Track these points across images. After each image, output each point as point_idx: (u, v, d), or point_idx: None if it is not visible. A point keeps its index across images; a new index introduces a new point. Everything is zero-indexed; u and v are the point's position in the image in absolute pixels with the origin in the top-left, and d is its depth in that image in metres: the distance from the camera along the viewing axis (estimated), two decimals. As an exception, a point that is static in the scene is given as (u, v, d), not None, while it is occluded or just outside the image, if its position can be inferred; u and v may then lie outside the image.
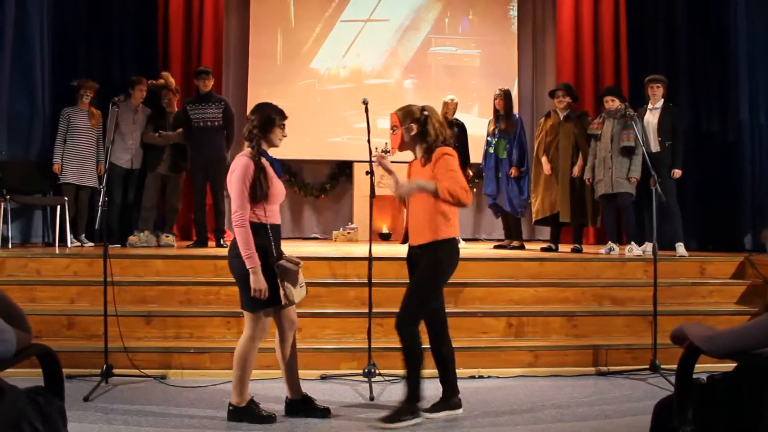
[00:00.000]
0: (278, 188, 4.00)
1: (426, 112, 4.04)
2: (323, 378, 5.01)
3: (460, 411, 4.20)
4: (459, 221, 4.21)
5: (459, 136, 7.59)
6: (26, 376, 3.37)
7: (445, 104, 7.84)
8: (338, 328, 5.41)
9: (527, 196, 7.77)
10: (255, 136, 3.96)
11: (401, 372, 4.90)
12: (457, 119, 7.94)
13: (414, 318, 4.01)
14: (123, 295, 5.29)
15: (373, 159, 4.31)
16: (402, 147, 4.13)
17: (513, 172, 7.69)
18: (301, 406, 4.15)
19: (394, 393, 4.63)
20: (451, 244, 4.02)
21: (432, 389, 4.22)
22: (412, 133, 4.03)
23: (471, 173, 7.88)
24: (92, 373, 4.81)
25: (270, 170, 3.97)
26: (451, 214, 3.99)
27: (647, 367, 5.17)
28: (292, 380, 4.16)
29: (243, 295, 3.91)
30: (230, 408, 3.99)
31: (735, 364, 2.60)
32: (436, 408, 4.17)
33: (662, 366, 5.08)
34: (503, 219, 8.11)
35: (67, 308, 5.51)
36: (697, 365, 2.67)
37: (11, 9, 7.14)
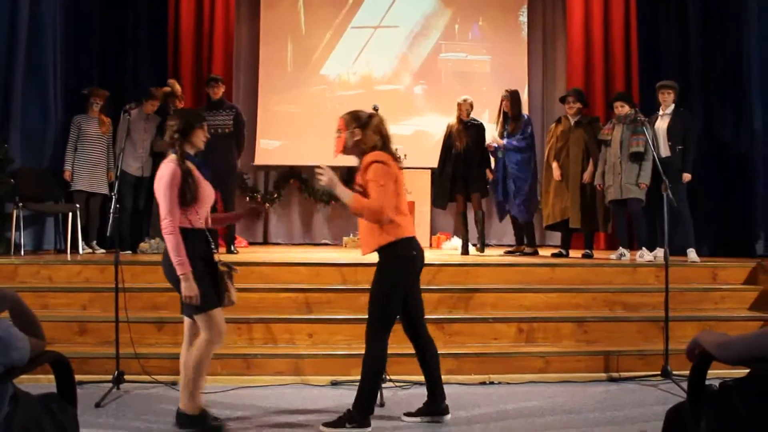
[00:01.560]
0: (206, 190, 3.95)
1: (370, 119, 3.99)
2: (334, 384, 5.01)
3: (442, 417, 4.16)
4: (414, 220, 4.11)
5: (475, 136, 7.59)
6: (38, 383, 3.40)
7: (458, 105, 7.73)
8: (349, 334, 5.40)
9: (537, 201, 7.72)
10: (176, 141, 3.91)
11: (412, 378, 4.96)
12: (474, 119, 7.76)
13: (377, 332, 3.95)
14: (134, 302, 5.31)
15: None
16: (345, 151, 4.06)
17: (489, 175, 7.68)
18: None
19: (404, 398, 4.63)
20: (396, 247, 3.89)
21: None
22: (355, 138, 3.96)
23: (492, 175, 7.80)
24: (104, 379, 4.83)
25: (197, 173, 3.91)
26: (393, 215, 3.88)
27: (659, 373, 5.14)
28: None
29: (182, 302, 3.84)
30: (179, 414, 3.91)
31: (747, 371, 2.57)
32: (417, 413, 4.18)
33: (674, 372, 5.05)
34: (514, 225, 8.07)
35: (79, 314, 5.55)
36: (709, 371, 2.66)
37: (25, 18, 7.21)
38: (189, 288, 3.73)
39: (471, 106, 7.81)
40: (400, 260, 3.93)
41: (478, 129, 7.71)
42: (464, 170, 7.55)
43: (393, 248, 3.89)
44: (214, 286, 3.88)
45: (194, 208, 3.84)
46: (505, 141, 7.63)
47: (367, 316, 4.00)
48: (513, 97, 7.70)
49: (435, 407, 4.16)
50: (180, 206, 3.79)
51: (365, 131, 3.95)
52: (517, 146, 7.59)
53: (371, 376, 3.96)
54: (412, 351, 5.17)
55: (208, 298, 3.80)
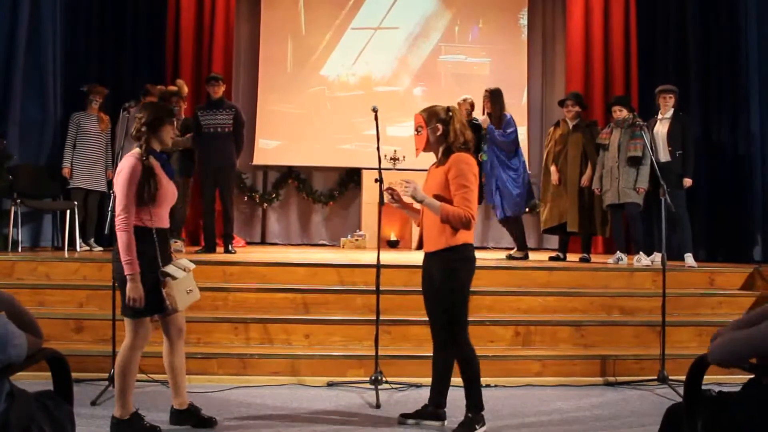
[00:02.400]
0: (168, 190, 3.83)
1: (450, 113, 3.99)
2: (330, 385, 5.01)
3: (438, 423, 4.16)
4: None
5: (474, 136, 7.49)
6: (36, 380, 3.39)
7: (459, 105, 7.55)
8: (345, 335, 5.41)
9: (522, 199, 7.48)
10: (143, 134, 3.80)
11: (407, 380, 4.96)
12: (474, 119, 7.64)
13: (463, 333, 3.96)
14: (131, 300, 5.30)
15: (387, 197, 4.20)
16: (426, 148, 4.05)
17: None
18: (186, 416, 4.02)
19: (401, 400, 4.63)
20: (465, 251, 3.93)
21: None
22: (438, 134, 3.96)
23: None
24: (100, 377, 4.82)
25: (159, 171, 3.80)
26: None
27: (655, 377, 5.15)
28: (179, 389, 4.01)
29: (123, 301, 3.73)
30: (113, 421, 3.78)
31: (749, 377, 2.56)
32: (415, 415, 4.18)
33: (670, 377, 5.05)
34: (507, 228, 7.99)
35: (76, 312, 5.54)
36: (706, 376, 2.67)
37: (24, 15, 7.21)
38: (134, 289, 3.63)
39: (472, 105, 7.76)
40: (468, 261, 3.96)
41: (478, 129, 7.57)
42: None
43: (462, 250, 3.91)
44: (155, 291, 3.72)
45: (150, 208, 3.73)
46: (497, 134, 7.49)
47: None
48: (493, 95, 7.54)
49: (435, 411, 4.17)
50: (135, 205, 3.68)
51: (448, 127, 3.95)
52: (504, 141, 7.45)
53: (477, 377, 3.97)
54: (408, 353, 5.23)
55: (145, 304, 3.68)
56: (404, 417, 4.19)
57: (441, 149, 4.00)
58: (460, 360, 3.98)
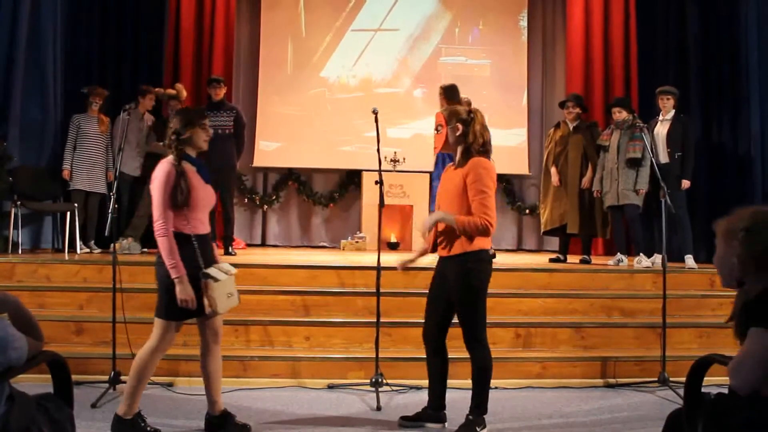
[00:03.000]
0: (203, 194, 3.83)
1: (472, 114, 3.97)
2: (330, 387, 5.01)
3: (438, 425, 4.17)
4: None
5: None
6: (36, 382, 3.39)
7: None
8: (346, 337, 5.41)
9: None
10: (176, 141, 3.82)
11: (408, 382, 4.96)
12: None
13: (482, 336, 3.96)
14: (132, 302, 5.29)
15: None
16: (445, 147, 4.04)
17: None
18: (220, 421, 3.99)
19: (401, 403, 4.64)
20: (482, 256, 3.91)
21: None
22: (458, 134, 3.93)
23: None
24: (100, 380, 4.82)
25: (194, 176, 3.81)
26: None
27: (656, 379, 5.14)
28: (213, 394, 3.98)
29: (160, 302, 3.76)
30: (115, 418, 3.78)
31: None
32: (415, 418, 4.19)
33: (671, 379, 5.05)
34: None
35: (76, 314, 5.54)
36: (707, 378, 2.67)
37: (25, 17, 7.21)
38: (183, 291, 3.64)
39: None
40: (484, 263, 3.94)
41: None
42: None
43: (480, 255, 3.91)
44: (195, 295, 3.70)
45: (186, 213, 3.73)
46: None
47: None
48: (446, 91, 7.14)
49: (435, 414, 4.18)
50: (171, 209, 3.69)
51: (468, 127, 3.93)
52: None
53: (488, 380, 3.99)
54: (409, 355, 5.22)
55: (176, 308, 3.69)
56: (405, 420, 4.18)
57: (460, 150, 3.96)
58: (477, 360, 3.96)
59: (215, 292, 3.68)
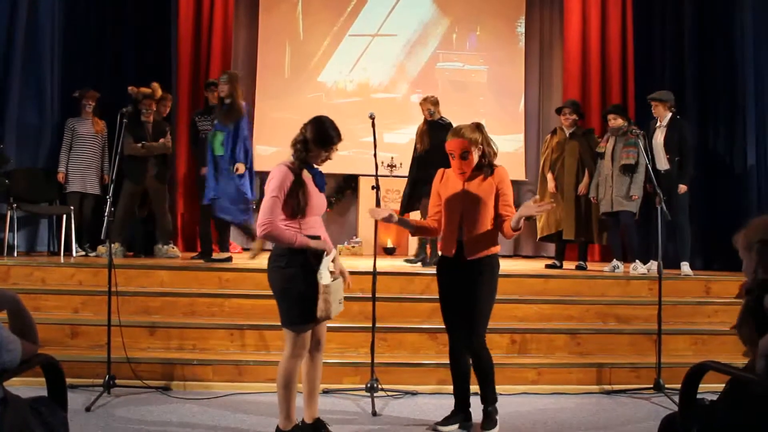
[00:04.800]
0: (317, 201, 3.75)
1: (481, 130, 4.14)
2: (325, 392, 4.99)
3: (468, 423, 4.25)
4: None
5: (441, 136, 6.53)
6: (30, 385, 3.38)
7: (420, 105, 7.54)
8: (341, 342, 5.40)
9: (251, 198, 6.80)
10: (304, 148, 3.74)
11: (403, 387, 4.96)
12: (443, 119, 7.36)
13: (484, 335, 4.11)
14: (127, 306, 5.29)
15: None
16: (473, 168, 4.15)
17: (239, 168, 6.59)
18: (312, 430, 3.91)
19: (396, 408, 4.63)
20: (497, 257, 4.19)
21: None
22: (480, 154, 4.13)
23: None
24: (95, 383, 4.80)
25: (310, 183, 3.73)
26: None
27: (651, 386, 5.15)
28: (311, 402, 3.93)
29: (282, 311, 3.69)
30: (276, 430, 3.74)
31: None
32: (449, 421, 4.23)
33: (666, 386, 5.05)
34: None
35: (71, 317, 5.52)
36: (701, 385, 2.67)
37: (23, 20, 7.22)
38: (312, 243, 3.63)
39: (433, 103, 7.46)
40: (498, 266, 4.19)
41: (445, 129, 6.30)
42: (424, 173, 6.67)
43: (496, 256, 4.18)
44: (311, 299, 3.61)
45: (298, 219, 3.65)
46: None
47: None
48: (230, 79, 6.75)
49: (465, 415, 4.28)
50: (286, 216, 3.62)
51: (484, 144, 4.13)
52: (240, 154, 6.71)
53: (493, 370, 4.17)
54: (404, 360, 5.22)
55: (296, 313, 3.64)
56: (438, 425, 4.21)
57: (478, 162, 4.14)
58: (485, 358, 4.11)
59: (331, 296, 3.62)
